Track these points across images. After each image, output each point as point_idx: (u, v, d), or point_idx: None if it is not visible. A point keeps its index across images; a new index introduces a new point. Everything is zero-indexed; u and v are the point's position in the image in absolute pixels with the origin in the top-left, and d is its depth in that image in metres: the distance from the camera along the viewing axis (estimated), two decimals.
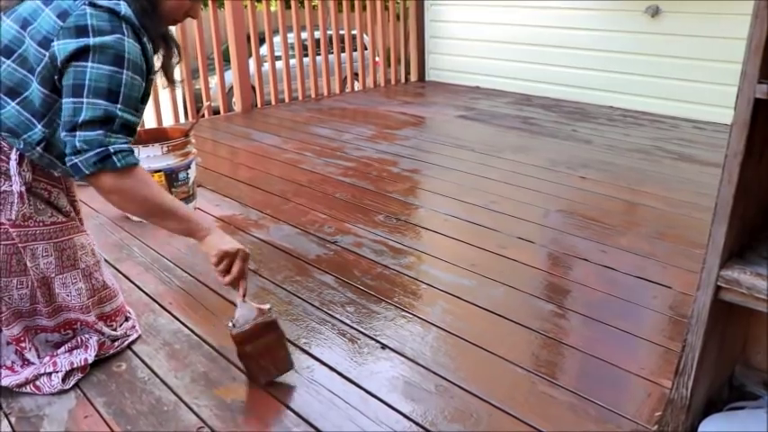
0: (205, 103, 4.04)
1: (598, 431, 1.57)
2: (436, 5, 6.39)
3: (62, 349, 1.81)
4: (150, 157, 2.79)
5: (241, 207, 3.09)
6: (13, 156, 1.60)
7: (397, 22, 6.44)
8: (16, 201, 1.62)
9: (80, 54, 1.50)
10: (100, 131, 1.52)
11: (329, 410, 1.65)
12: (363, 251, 2.58)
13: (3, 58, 1.56)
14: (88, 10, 1.52)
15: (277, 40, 6.26)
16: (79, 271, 1.80)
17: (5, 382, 1.72)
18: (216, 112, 5.48)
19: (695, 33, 4.65)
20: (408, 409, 1.65)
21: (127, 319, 1.99)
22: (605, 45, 5.17)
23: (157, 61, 1.78)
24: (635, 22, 4.94)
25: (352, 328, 2.03)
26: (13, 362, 1.75)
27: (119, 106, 1.54)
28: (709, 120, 4.64)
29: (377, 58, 6.44)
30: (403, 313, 2.12)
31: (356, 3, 5.98)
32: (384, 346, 1.93)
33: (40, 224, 1.69)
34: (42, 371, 1.73)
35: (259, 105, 5.46)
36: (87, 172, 1.53)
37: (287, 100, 5.63)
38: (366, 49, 6.37)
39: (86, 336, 1.85)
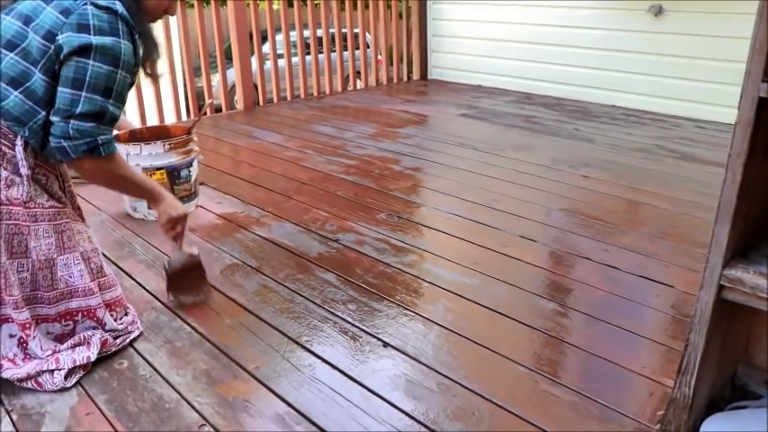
0: (207, 101, 4.05)
1: (600, 430, 1.57)
2: (438, 4, 6.39)
3: (65, 346, 1.81)
4: (152, 155, 2.79)
5: (243, 205, 3.09)
6: (19, 142, 1.71)
7: (399, 21, 6.44)
8: (25, 182, 1.73)
9: (83, 51, 1.66)
10: (92, 123, 1.71)
11: (331, 408, 1.65)
12: (365, 249, 2.58)
13: (6, 52, 1.68)
14: (89, 9, 1.68)
15: (279, 38, 6.26)
16: (79, 254, 1.85)
17: (6, 375, 1.72)
18: (218, 109, 5.48)
19: (698, 32, 4.64)
20: (410, 407, 1.65)
21: (126, 314, 2.00)
22: (608, 44, 5.16)
23: None
24: (638, 20, 4.93)
25: (353, 326, 2.03)
26: (15, 354, 1.76)
27: (111, 101, 1.74)
28: (712, 119, 4.63)
29: (379, 57, 6.44)
30: (405, 311, 2.12)
31: (359, 1, 5.98)
32: (386, 345, 1.93)
33: (40, 206, 1.77)
34: (45, 367, 1.73)
35: (261, 103, 5.46)
36: (74, 156, 1.73)
37: (289, 98, 5.63)
38: (368, 47, 6.37)
39: (89, 333, 1.85)
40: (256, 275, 2.37)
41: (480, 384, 1.74)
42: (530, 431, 1.57)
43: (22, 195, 1.73)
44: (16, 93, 1.68)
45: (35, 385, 1.72)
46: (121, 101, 1.78)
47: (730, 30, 4.37)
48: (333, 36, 5.82)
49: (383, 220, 2.88)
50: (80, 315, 1.86)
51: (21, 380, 1.72)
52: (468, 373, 1.79)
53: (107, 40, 1.68)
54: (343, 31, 5.90)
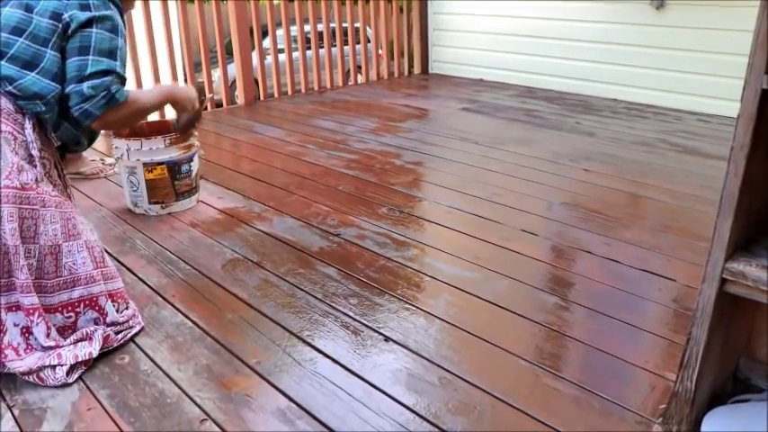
0: (207, 96, 4.04)
1: (602, 424, 1.57)
2: None
3: (67, 341, 1.81)
4: (153, 150, 2.79)
5: (244, 200, 3.09)
6: (28, 125, 1.83)
7: (400, 15, 6.42)
8: (37, 165, 1.82)
9: (86, 24, 1.91)
10: (105, 78, 1.94)
11: (332, 403, 1.65)
12: (366, 243, 2.58)
13: (15, 37, 1.85)
14: None
15: (280, 32, 6.24)
16: (83, 242, 1.88)
17: (9, 366, 1.72)
18: (219, 104, 5.47)
19: (700, 25, 4.62)
20: (412, 401, 1.65)
21: (127, 307, 2.00)
22: (610, 37, 5.14)
23: None
24: (640, 13, 4.91)
25: (355, 320, 2.03)
26: (18, 344, 1.76)
27: (117, 63, 1.98)
28: (714, 112, 4.61)
29: (380, 51, 6.42)
30: (406, 305, 2.12)
31: None
32: (387, 339, 1.93)
33: (47, 193, 1.82)
34: (47, 363, 1.73)
35: (262, 98, 5.45)
36: (98, 113, 1.95)
37: (290, 93, 5.61)
38: (369, 41, 6.35)
39: (91, 328, 1.86)
40: (258, 270, 2.37)
41: (482, 378, 1.74)
42: (531, 425, 1.57)
43: (32, 180, 1.79)
44: (33, 74, 1.84)
45: (37, 380, 1.73)
46: (124, 65, 2.02)
47: (733, 22, 4.35)
48: (333, 31, 5.81)
49: (384, 215, 2.88)
50: (82, 305, 1.87)
51: (23, 373, 1.72)
52: (470, 368, 1.79)
53: (105, 11, 1.96)
54: (344, 25, 5.89)
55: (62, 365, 1.74)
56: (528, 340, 1.92)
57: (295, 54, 5.59)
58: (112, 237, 2.67)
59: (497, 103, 5.17)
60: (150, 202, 2.87)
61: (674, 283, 2.25)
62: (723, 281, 1.27)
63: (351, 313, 2.07)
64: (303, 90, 5.71)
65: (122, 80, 2.01)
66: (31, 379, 1.73)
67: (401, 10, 6.44)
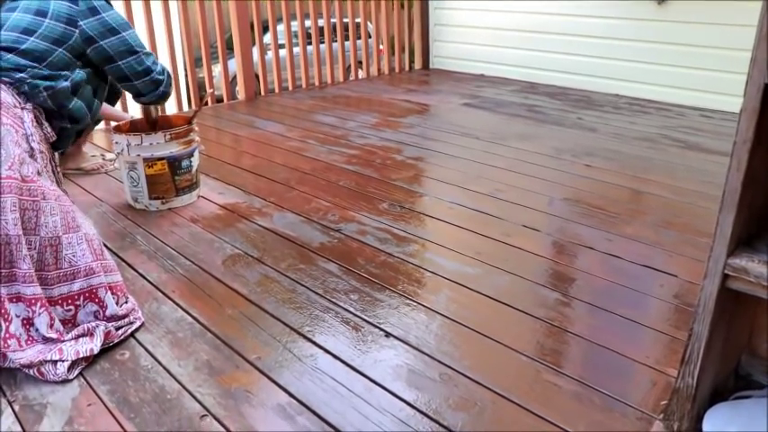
0: (208, 91, 4.04)
1: (603, 420, 1.56)
2: None
3: (69, 336, 1.81)
4: (153, 145, 2.78)
5: (244, 195, 3.08)
6: (27, 118, 1.93)
7: (401, 10, 6.40)
8: (37, 157, 1.89)
9: (109, 32, 2.30)
10: (159, 64, 2.54)
11: (332, 398, 1.64)
12: (367, 239, 2.57)
13: (26, 36, 2.09)
14: None
15: (281, 28, 6.23)
16: (82, 234, 1.90)
17: (12, 356, 1.73)
18: (219, 100, 5.47)
19: (703, 20, 4.60)
20: (412, 397, 1.65)
21: (126, 301, 2.00)
22: (612, 32, 5.13)
23: None
24: (642, 9, 4.90)
25: (355, 315, 2.03)
26: (20, 335, 1.76)
27: (147, 47, 2.48)
28: (717, 108, 4.60)
29: (381, 46, 6.41)
30: (407, 301, 2.11)
31: None
32: (388, 335, 1.93)
33: (45, 186, 1.84)
34: (48, 357, 1.73)
35: (263, 93, 5.44)
36: (170, 91, 2.63)
37: (290, 88, 5.61)
38: (370, 36, 6.35)
39: (93, 324, 1.85)
40: (258, 266, 2.36)
41: (482, 374, 1.73)
42: (532, 421, 1.57)
43: (32, 173, 1.82)
44: (40, 65, 2.08)
45: (37, 374, 1.72)
46: None
47: (735, 18, 4.34)
48: (334, 26, 5.79)
49: (385, 210, 2.87)
50: (81, 298, 1.87)
51: (23, 365, 1.72)
52: (471, 363, 1.78)
53: (115, 13, 2.34)
54: (345, 20, 5.88)
55: (63, 361, 1.74)
56: (529, 336, 1.91)
57: (296, 49, 5.58)
58: (113, 232, 2.67)
59: (499, 99, 5.16)
60: (151, 198, 2.87)
61: (675, 278, 2.24)
62: (725, 277, 1.26)
63: (351, 309, 2.07)
64: (304, 85, 5.70)
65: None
66: (32, 373, 1.73)
67: (402, 5, 6.43)
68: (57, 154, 2.30)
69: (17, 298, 1.76)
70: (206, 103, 4.80)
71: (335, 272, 2.31)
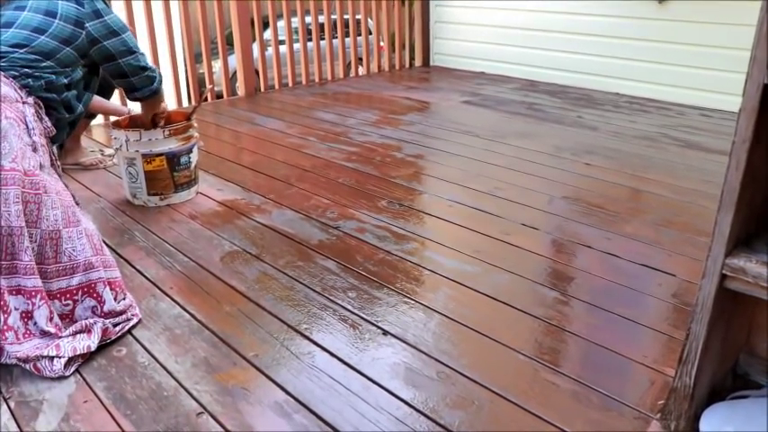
0: (207, 87, 4.03)
1: (601, 419, 1.56)
2: None
3: (66, 333, 1.81)
4: (152, 141, 2.77)
5: (244, 192, 3.08)
6: (28, 112, 1.96)
7: (401, 7, 6.39)
8: (39, 151, 1.91)
9: (111, 33, 2.40)
10: (152, 64, 2.65)
11: (330, 397, 1.64)
12: (366, 237, 2.57)
13: (38, 35, 2.18)
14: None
15: (281, 24, 6.22)
16: (82, 229, 1.91)
17: (9, 349, 1.73)
18: (219, 96, 5.46)
19: (703, 20, 4.59)
20: (409, 395, 1.64)
21: (125, 297, 2.00)
22: (612, 31, 5.12)
23: None
24: (642, 7, 4.89)
25: (353, 313, 2.02)
26: (17, 327, 1.76)
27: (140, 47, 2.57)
28: (716, 107, 4.59)
29: (381, 43, 6.40)
30: (405, 299, 2.11)
31: None
32: (386, 333, 1.92)
33: (47, 180, 1.85)
34: (45, 353, 1.73)
35: (263, 89, 5.43)
36: (160, 87, 2.71)
37: (291, 84, 5.60)
38: (370, 33, 6.33)
39: (90, 321, 1.85)
40: (256, 263, 2.36)
41: (480, 373, 1.73)
42: (530, 420, 1.56)
43: (34, 166, 1.84)
44: (49, 62, 2.18)
45: (33, 370, 1.72)
46: None
47: (735, 17, 4.33)
48: (335, 22, 5.78)
49: (384, 208, 2.87)
50: (80, 293, 1.88)
51: (20, 359, 1.72)
52: (469, 362, 1.78)
53: (115, 16, 2.43)
54: (345, 17, 5.86)
55: (60, 357, 1.73)
56: (527, 335, 1.91)
57: (296, 45, 5.57)
58: (111, 228, 2.66)
59: (499, 97, 5.15)
60: (149, 194, 2.86)
61: (674, 278, 2.24)
62: (723, 277, 1.26)
63: (349, 307, 2.06)
64: (304, 82, 5.69)
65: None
66: (28, 368, 1.72)
67: (402, 2, 6.42)
68: (55, 148, 2.31)
69: (17, 290, 1.76)
70: (206, 99, 4.79)
71: (334, 269, 2.31)
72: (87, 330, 1.83)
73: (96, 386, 1.69)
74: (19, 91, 2.02)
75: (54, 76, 2.19)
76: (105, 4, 2.43)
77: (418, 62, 6.64)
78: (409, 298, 2.12)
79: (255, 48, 5.29)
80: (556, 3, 5.41)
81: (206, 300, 2.11)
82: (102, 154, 3.56)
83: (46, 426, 1.55)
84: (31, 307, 1.77)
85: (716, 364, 1.47)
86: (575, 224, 2.68)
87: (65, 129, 2.34)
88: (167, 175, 2.84)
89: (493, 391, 1.66)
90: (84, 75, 2.41)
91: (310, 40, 5.66)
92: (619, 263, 2.35)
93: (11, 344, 1.73)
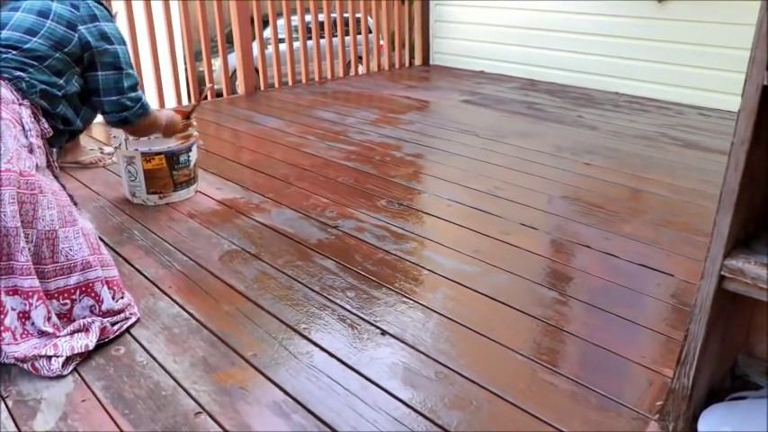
0: (207, 86, 4.02)
1: (599, 419, 1.56)
2: None
3: (64, 332, 1.80)
4: (151, 140, 2.77)
5: (243, 191, 3.08)
6: (25, 113, 1.93)
7: (401, 6, 6.39)
8: (36, 151, 1.89)
9: (104, 39, 2.25)
10: (137, 91, 2.39)
11: (328, 397, 1.64)
12: (365, 236, 2.57)
13: (30, 36, 2.08)
14: (90, 2, 2.25)
15: (281, 22, 6.21)
16: (79, 228, 1.90)
17: (6, 349, 1.72)
18: (219, 94, 5.46)
19: (703, 19, 4.59)
20: (408, 395, 1.64)
21: (123, 296, 2.00)
22: (612, 30, 5.12)
23: None
24: (642, 7, 4.89)
25: (352, 313, 2.02)
26: (15, 328, 1.75)
27: (134, 69, 2.38)
28: (716, 107, 4.59)
29: (381, 42, 6.39)
30: (404, 299, 2.11)
31: None
32: (384, 333, 1.92)
33: (42, 180, 1.85)
34: (42, 352, 1.73)
35: (262, 88, 5.43)
36: (135, 122, 2.42)
37: (290, 83, 5.59)
38: (370, 32, 6.33)
39: (88, 320, 1.85)
40: (255, 262, 2.36)
41: (479, 373, 1.73)
42: (528, 420, 1.56)
43: (30, 167, 1.83)
44: (40, 66, 2.07)
45: (31, 369, 1.72)
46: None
47: (735, 16, 4.32)
48: (334, 21, 5.78)
49: (383, 207, 2.87)
50: (78, 292, 1.87)
51: (18, 359, 1.72)
52: (467, 362, 1.78)
53: (114, 25, 2.31)
54: (345, 15, 5.86)
55: (58, 357, 1.73)
56: (526, 335, 1.91)
57: (296, 44, 5.56)
58: (110, 227, 2.66)
59: (499, 96, 5.15)
60: (148, 192, 2.86)
61: (673, 278, 2.24)
62: (721, 278, 1.26)
63: (348, 306, 2.06)
64: (304, 80, 5.69)
65: (138, 84, 2.43)
66: (26, 367, 1.72)
67: (402, 1, 6.41)
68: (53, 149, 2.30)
69: (14, 291, 1.76)
70: (205, 98, 4.78)
71: (332, 269, 2.31)
72: (85, 329, 1.83)
73: (94, 385, 1.69)
74: (15, 92, 2.00)
75: (48, 87, 2.09)
76: (108, 13, 2.33)
77: (418, 61, 6.64)
78: (408, 298, 2.11)
79: (255, 46, 5.29)
80: (555, 2, 5.41)
81: (205, 299, 2.11)
82: (102, 152, 3.56)
83: (44, 425, 1.55)
84: (28, 307, 1.77)
85: (714, 364, 1.46)
86: (574, 224, 2.68)
87: (63, 136, 2.28)
88: (166, 174, 2.84)
89: (491, 392, 1.66)
90: (81, 88, 2.28)
91: (310, 38, 5.65)
92: (618, 263, 2.35)
93: (8, 344, 1.73)
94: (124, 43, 2.35)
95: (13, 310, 1.76)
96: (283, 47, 5.53)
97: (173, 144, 2.83)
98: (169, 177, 2.86)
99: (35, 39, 2.08)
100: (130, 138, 2.74)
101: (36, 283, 1.78)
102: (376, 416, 1.57)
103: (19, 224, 1.74)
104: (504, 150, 3.69)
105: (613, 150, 3.68)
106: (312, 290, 2.16)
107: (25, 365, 1.72)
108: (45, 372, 1.71)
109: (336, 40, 5.80)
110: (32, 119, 1.95)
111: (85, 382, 1.70)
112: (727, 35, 4.41)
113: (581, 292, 2.14)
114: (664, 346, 1.85)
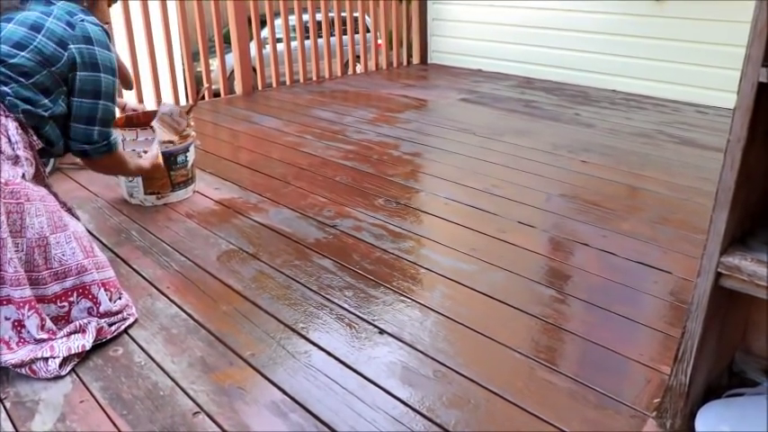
0: (204, 86, 4.02)
1: (597, 417, 1.56)
2: None
3: (60, 333, 1.80)
4: (148, 140, 2.77)
5: (241, 190, 3.08)
6: (11, 126, 1.86)
7: (399, 4, 6.38)
8: (24, 162, 1.85)
9: (93, 65, 2.06)
10: (109, 128, 2.15)
11: (326, 396, 1.64)
12: (363, 235, 2.57)
13: (18, 51, 1.94)
14: (87, 24, 2.07)
15: (278, 22, 6.21)
16: (70, 233, 1.88)
17: (3, 359, 1.72)
18: (216, 94, 5.45)
19: (699, 17, 4.59)
20: (406, 394, 1.65)
21: (120, 297, 2.00)
22: (609, 28, 5.12)
23: None
24: (639, 5, 4.89)
25: (350, 312, 2.02)
26: (9, 338, 1.75)
27: (114, 105, 2.17)
28: (712, 104, 4.59)
29: (379, 41, 6.39)
30: (402, 298, 2.11)
31: None
32: (382, 332, 1.92)
33: (29, 188, 1.81)
34: (39, 355, 1.73)
35: (260, 88, 5.42)
36: (94, 157, 2.16)
37: (288, 83, 5.59)
38: (368, 31, 6.33)
39: (85, 321, 1.85)
40: (253, 261, 2.36)
41: (477, 371, 1.73)
42: (526, 419, 1.56)
43: (15, 176, 1.79)
44: (25, 82, 1.93)
45: (29, 372, 1.72)
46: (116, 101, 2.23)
47: (731, 14, 4.33)
48: (332, 20, 5.77)
49: (381, 206, 2.87)
50: (75, 294, 1.87)
51: (15, 365, 1.72)
52: (465, 361, 1.78)
53: (108, 54, 2.10)
54: (343, 14, 5.86)
55: (55, 358, 1.73)
56: (524, 333, 1.91)
57: (293, 44, 5.56)
58: (108, 228, 2.66)
59: (496, 94, 5.15)
60: (146, 193, 2.86)
61: (670, 275, 2.24)
62: (718, 275, 1.26)
63: (346, 305, 2.06)
64: (301, 80, 5.68)
65: (114, 119, 2.23)
66: (24, 371, 1.72)
67: (400, 0, 6.41)
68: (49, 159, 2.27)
69: (7, 300, 1.74)
70: (203, 98, 4.78)
71: (330, 268, 2.31)
72: (82, 330, 1.83)
73: (92, 386, 1.69)
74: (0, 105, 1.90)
75: (31, 106, 1.93)
76: (108, 40, 2.15)
77: (416, 60, 6.63)
78: (406, 296, 2.12)
79: (253, 46, 5.28)
80: (552, 0, 5.40)
81: (203, 299, 2.11)
82: None
83: (42, 426, 1.55)
84: (21, 317, 1.76)
85: (711, 361, 1.47)
86: (571, 222, 2.68)
87: (51, 155, 2.18)
88: (164, 174, 2.84)
89: (489, 390, 1.66)
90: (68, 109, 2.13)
91: (308, 38, 5.65)
92: (615, 260, 2.35)
93: (3, 354, 1.72)
94: (114, 75, 2.14)
95: (7, 319, 1.75)
96: (281, 46, 5.53)
97: (171, 144, 2.82)
98: (167, 178, 2.85)
99: (23, 53, 1.94)
100: (128, 138, 2.73)
101: (27, 293, 1.76)
102: (374, 415, 1.57)
103: (6, 235, 1.72)
104: (501, 148, 3.70)
105: (610, 148, 3.68)
106: (310, 289, 2.16)
107: (23, 370, 1.72)
108: (43, 373, 1.71)
109: (334, 40, 5.80)
110: (19, 131, 1.88)
111: (83, 383, 1.70)
112: (724, 32, 4.41)
113: (579, 290, 2.15)
114: (662, 343, 1.85)
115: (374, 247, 2.47)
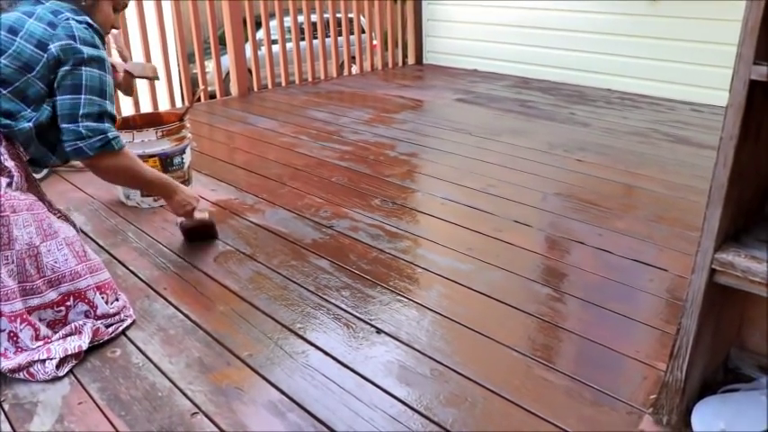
0: (200, 88, 4.02)
1: (593, 414, 1.57)
2: None
3: (56, 336, 1.81)
4: (145, 142, 2.77)
5: (237, 191, 3.08)
6: None
7: (394, 5, 6.39)
8: (13, 172, 1.81)
9: (76, 61, 1.89)
10: (98, 122, 1.95)
11: (324, 395, 1.65)
12: (359, 235, 2.57)
13: None
14: (72, 23, 1.92)
15: (274, 23, 6.21)
16: (62, 239, 1.87)
17: (1, 366, 1.71)
18: (212, 96, 5.45)
19: (693, 16, 4.61)
20: (403, 393, 1.65)
21: (117, 299, 2.00)
22: (604, 27, 5.13)
23: None
24: (634, 4, 4.90)
25: (347, 312, 2.03)
26: (6, 348, 1.75)
27: (106, 102, 1.98)
28: (707, 102, 4.61)
29: (374, 42, 6.40)
30: (399, 297, 2.11)
31: None
32: (379, 331, 1.93)
33: (15, 198, 1.79)
34: (36, 357, 1.73)
35: (256, 89, 5.43)
36: (91, 154, 1.95)
37: (284, 84, 5.60)
38: (363, 32, 6.33)
39: (81, 322, 1.85)
40: (250, 262, 2.36)
41: (474, 370, 1.73)
42: (523, 416, 1.57)
43: (1, 187, 1.76)
44: (4, 92, 1.83)
45: (27, 376, 1.72)
46: (113, 101, 2.02)
47: (724, 13, 4.34)
48: (328, 21, 5.78)
49: (378, 206, 2.87)
50: (71, 298, 1.87)
51: (12, 371, 1.72)
52: (462, 359, 1.79)
53: (93, 50, 1.94)
54: (338, 15, 5.86)
55: (51, 359, 1.73)
56: (520, 331, 1.92)
57: (289, 45, 5.56)
58: (104, 229, 2.66)
59: (492, 94, 5.16)
60: (143, 195, 2.86)
61: (666, 273, 2.25)
62: (712, 271, 1.27)
63: (343, 305, 2.07)
64: (297, 81, 5.69)
65: (113, 120, 2.01)
66: (21, 375, 1.72)
67: (395, 0, 6.41)
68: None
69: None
70: (198, 100, 4.79)
71: (327, 268, 2.31)
72: (78, 332, 1.83)
73: (90, 387, 1.69)
74: None
75: (10, 120, 1.84)
76: (99, 41, 2.00)
77: (411, 60, 6.64)
78: (402, 296, 2.12)
79: (248, 47, 5.29)
80: (548, 0, 5.42)
81: (200, 300, 2.11)
82: None
83: (40, 427, 1.55)
84: (15, 329, 1.76)
85: (707, 358, 1.48)
86: (567, 221, 2.69)
87: (40, 167, 2.17)
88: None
89: (486, 388, 1.66)
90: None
91: (303, 39, 5.65)
92: (611, 259, 2.36)
93: (3, 362, 1.72)
94: (101, 69, 1.96)
95: (2, 331, 1.75)
96: (276, 48, 5.53)
97: (166, 146, 2.82)
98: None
99: (1, 59, 1.83)
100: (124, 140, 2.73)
101: (18, 306, 1.75)
102: (372, 414, 1.58)
103: None
104: (497, 148, 3.70)
105: (606, 147, 3.69)
106: (307, 289, 2.17)
107: (21, 374, 1.72)
108: (41, 376, 1.71)
109: (329, 41, 5.80)
110: (5, 142, 1.84)
111: (81, 385, 1.70)
112: (718, 31, 4.42)
113: (575, 289, 2.16)
114: (658, 340, 1.86)
115: (371, 247, 2.48)
